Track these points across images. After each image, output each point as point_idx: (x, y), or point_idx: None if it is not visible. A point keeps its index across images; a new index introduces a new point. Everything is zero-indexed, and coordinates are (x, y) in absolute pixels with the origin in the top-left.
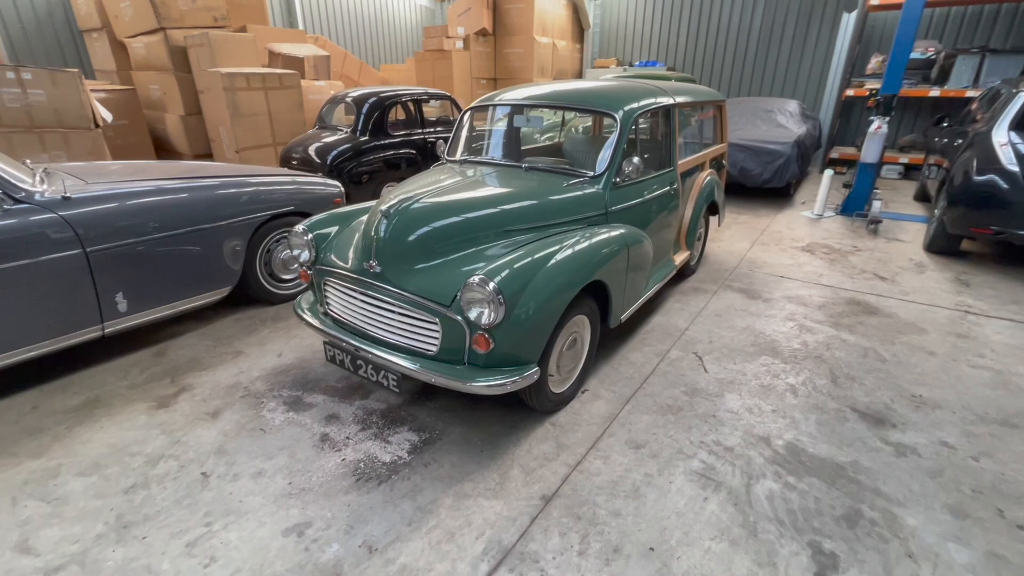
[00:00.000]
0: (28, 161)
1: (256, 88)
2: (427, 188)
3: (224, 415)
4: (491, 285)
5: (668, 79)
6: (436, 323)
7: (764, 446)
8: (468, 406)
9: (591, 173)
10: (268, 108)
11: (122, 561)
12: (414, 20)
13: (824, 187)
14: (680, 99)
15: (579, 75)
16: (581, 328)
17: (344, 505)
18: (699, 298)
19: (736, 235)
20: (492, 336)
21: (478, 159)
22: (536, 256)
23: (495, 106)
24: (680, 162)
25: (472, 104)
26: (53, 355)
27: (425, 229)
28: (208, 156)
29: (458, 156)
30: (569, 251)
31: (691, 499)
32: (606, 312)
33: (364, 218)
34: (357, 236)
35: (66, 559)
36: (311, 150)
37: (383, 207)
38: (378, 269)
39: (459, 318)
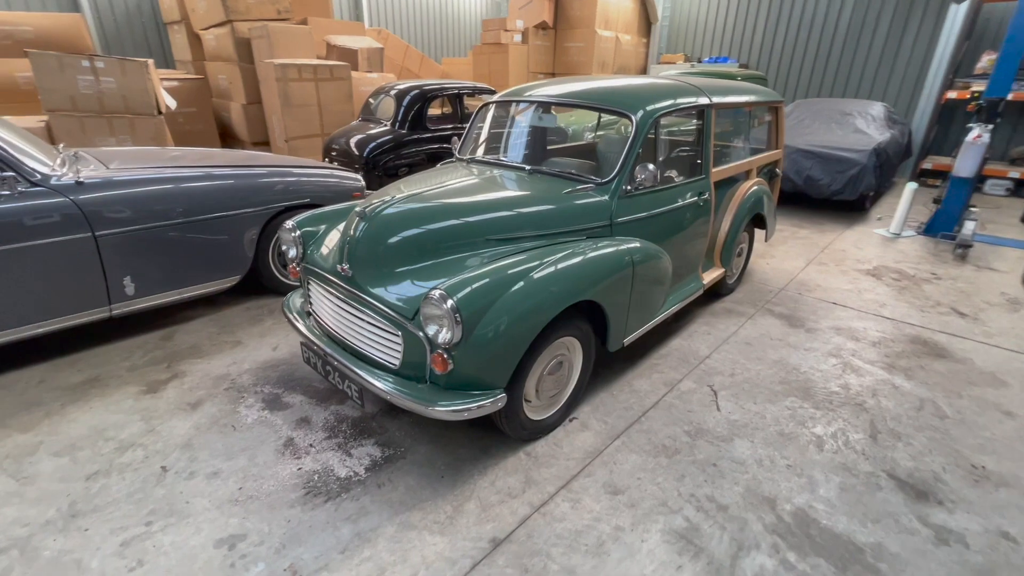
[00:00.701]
0: (62, 145)
1: (307, 79)
2: (412, 190)
3: (203, 407)
4: (449, 302)
5: (734, 77)
6: (399, 336)
7: (767, 509)
8: (441, 423)
9: (600, 179)
10: (318, 99)
11: (58, 553)
12: (479, 13)
13: (905, 201)
14: (718, 99)
15: (643, 71)
16: (570, 351)
17: (284, 520)
18: (731, 322)
19: (791, 251)
20: (451, 356)
21: (486, 159)
22: (511, 271)
23: (511, 102)
24: (716, 169)
25: (488, 100)
26: (70, 331)
27: (398, 234)
28: (265, 144)
29: (467, 154)
30: (551, 268)
31: (662, 565)
32: (605, 334)
33: None
34: (338, 236)
35: (9, 543)
36: (350, 142)
37: (359, 208)
38: (349, 273)
39: (420, 333)
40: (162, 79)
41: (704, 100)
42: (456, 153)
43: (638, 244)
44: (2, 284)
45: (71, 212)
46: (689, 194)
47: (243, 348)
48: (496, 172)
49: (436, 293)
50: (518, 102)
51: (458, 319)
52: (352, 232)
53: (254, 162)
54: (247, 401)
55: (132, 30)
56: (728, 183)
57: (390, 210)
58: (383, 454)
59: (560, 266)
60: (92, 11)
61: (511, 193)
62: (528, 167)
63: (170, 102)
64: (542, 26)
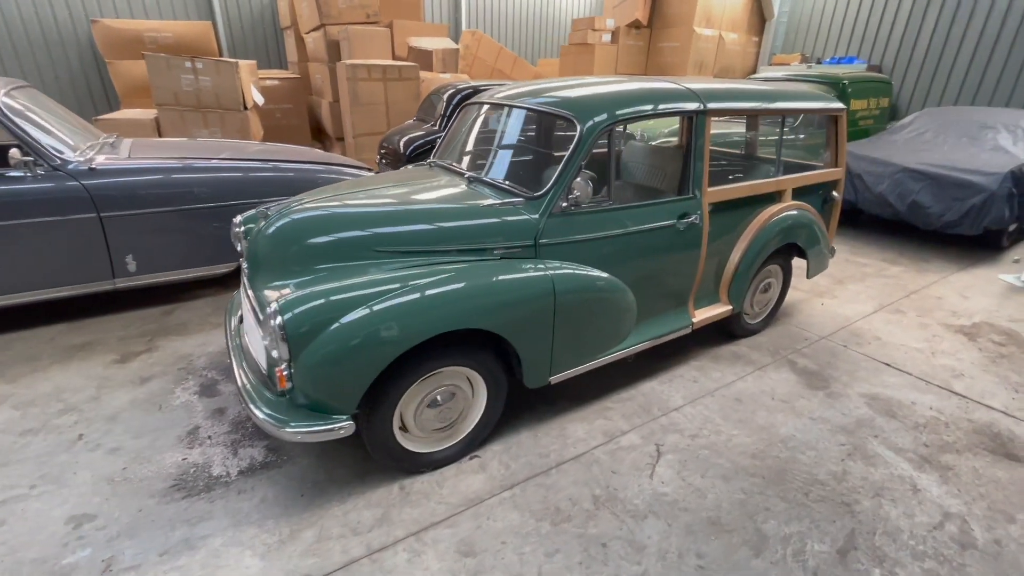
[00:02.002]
0: (116, 136)
1: (376, 79)
2: (330, 195)
3: (150, 383)
4: (277, 319)
5: (838, 81)
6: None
7: None
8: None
9: (533, 193)
10: (386, 98)
11: None
12: (579, 13)
13: None
14: (715, 105)
15: (752, 72)
16: (471, 383)
17: (136, 510)
18: (731, 370)
19: (864, 292)
20: (288, 374)
21: (445, 163)
22: (363, 291)
23: (476, 104)
24: (715, 188)
25: (465, 102)
26: (92, 298)
27: (290, 240)
28: (342, 140)
29: (436, 157)
30: (415, 294)
31: None
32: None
33: None
34: None
35: None
36: (399, 140)
37: (269, 209)
38: (247, 272)
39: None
40: (262, 78)
41: (693, 105)
42: (432, 155)
43: (570, 271)
44: (19, 253)
45: (80, 195)
46: (663, 216)
47: (220, 332)
48: (441, 179)
49: (272, 306)
50: (481, 104)
51: (283, 337)
52: (255, 233)
53: (272, 156)
54: (187, 383)
55: (255, 34)
56: (743, 205)
57: (288, 215)
58: (264, 459)
59: (433, 291)
60: (223, 19)
61: (424, 204)
62: (468, 175)
63: (258, 99)
64: (635, 25)
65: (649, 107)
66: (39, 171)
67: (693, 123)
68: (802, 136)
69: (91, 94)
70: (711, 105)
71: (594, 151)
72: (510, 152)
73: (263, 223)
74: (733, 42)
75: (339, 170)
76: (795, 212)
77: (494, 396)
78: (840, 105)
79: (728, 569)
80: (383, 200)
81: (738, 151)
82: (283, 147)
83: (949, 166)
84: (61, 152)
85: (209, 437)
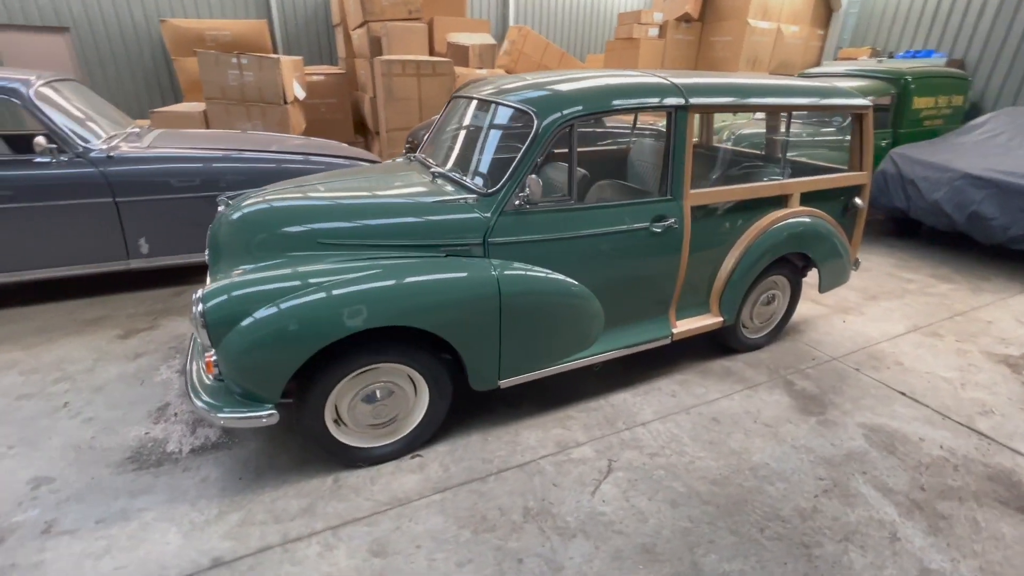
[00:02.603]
0: (147, 126)
1: (410, 74)
2: (291, 187)
3: (140, 359)
4: (200, 306)
5: (899, 77)
6: None
7: None
8: (288, 421)
9: (487, 189)
10: (419, 93)
11: None
12: (629, 8)
13: None
14: (700, 100)
15: (814, 67)
16: (413, 381)
17: (90, 477)
18: (717, 386)
19: (899, 310)
20: (215, 361)
21: (421, 157)
22: (287, 283)
23: (458, 98)
24: (699, 191)
25: (454, 94)
26: (117, 275)
27: (242, 230)
28: (379, 133)
29: (421, 151)
30: (337, 290)
31: None
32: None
33: None
34: None
35: None
36: (423, 134)
37: (228, 199)
38: (206, 259)
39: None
40: (309, 74)
41: (673, 100)
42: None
43: (521, 272)
44: (42, 232)
45: (98, 181)
46: (633, 217)
47: None
48: (412, 173)
49: (197, 293)
50: (459, 98)
51: (203, 324)
52: (213, 224)
53: (285, 148)
54: (173, 362)
55: (308, 31)
56: (738, 209)
57: (240, 207)
58: (217, 440)
59: (356, 287)
60: (279, 17)
61: (375, 198)
62: (435, 170)
63: (299, 93)
64: (684, 18)
65: (619, 102)
66: (62, 158)
67: (673, 119)
68: (827, 136)
69: (160, 88)
70: (694, 100)
71: (585, 147)
72: (478, 147)
73: (223, 213)
74: (793, 35)
75: (348, 161)
76: (804, 219)
77: (437, 396)
78: (862, 102)
79: None
80: (336, 193)
81: (740, 149)
82: (304, 140)
83: (1021, 173)
84: (86, 140)
85: (175, 414)
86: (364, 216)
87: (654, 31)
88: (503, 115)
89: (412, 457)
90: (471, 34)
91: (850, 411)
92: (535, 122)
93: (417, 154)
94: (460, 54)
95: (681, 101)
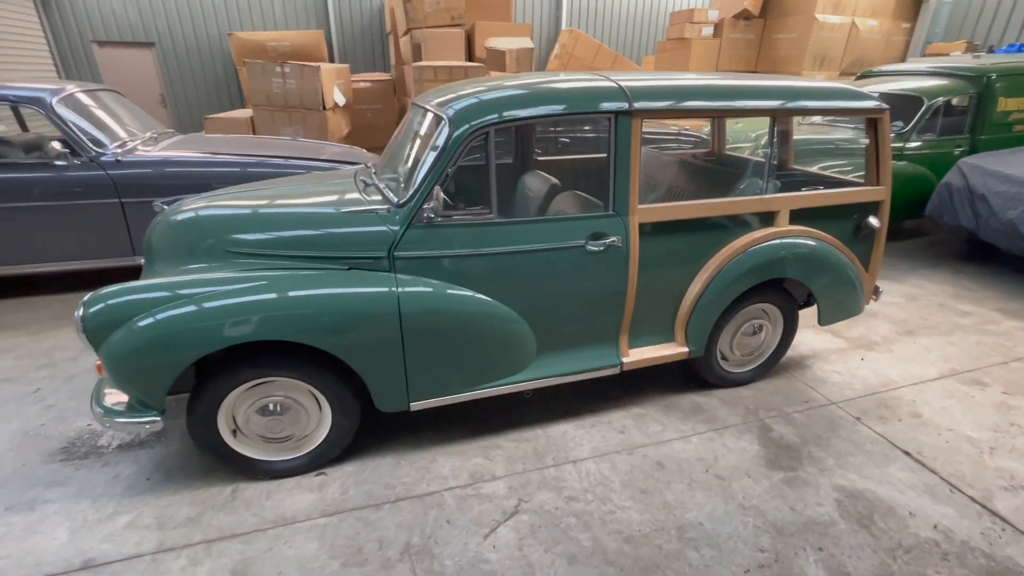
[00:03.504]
0: (171, 131)
1: (442, 80)
2: (224, 193)
3: None
4: (80, 311)
5: (981, 76)
6: None
7: None
8: None
9: (399, 200)
10: None
11: None
12: (687, 6)
13: None
14: (646, 104)
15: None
16: (302, 395)
17: (21, 464)
18: (679, 424)
19: (937, 350)
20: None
21: (369, 165)
22: (168, 292)
23: (415, 105)
24: (650, 206)
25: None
26: (123, 270)
27: (166, 236)
28: None
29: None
30: (219, 302)
31: None
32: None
33: None
34: None
35: None
36: None
37: (163, 205)
38: (141, 263)
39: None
40: (357, 80)
41: (615, 105)
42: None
43: (428, 290)
44: (56, 229)
45: (106, 183)
46: (565, 235)
47: None
48: (348, 182)
49: (84, 298)
50: (415, 106)
51: (82, 329)
52: (150, 226)
53: (290, 153)
54: None
55: (364, 40)
56: (706, 227)
57: (174, 212)
58: (145, 439)
59: (237, 299)
60: (336, 26)
61: (289, 208)
62: (363, 179)
63: (339, 99)
64: (744, 15)
65: (544, 110)
66: (76, 161)
67: (613, 126)
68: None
69: (229, 96)
70: (640, 105)
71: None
72: (404, 157)
73: (155, 219)
74: (871, 30)
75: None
76: (795, 240)
77: (340, 414)
78: (874, 105)
79: None
80: (260, 202)
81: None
82: (342, 148)
83: None
84: (101, 146)
85: None
86: (275, 227)
87: (708, 30)
88: (428, 123)
89: (316, 475)
90: (510, 39)
91: (830, 469)
92: (447, 130)
93: (368, 164)
94: (497, 59)
95: (624, 106)
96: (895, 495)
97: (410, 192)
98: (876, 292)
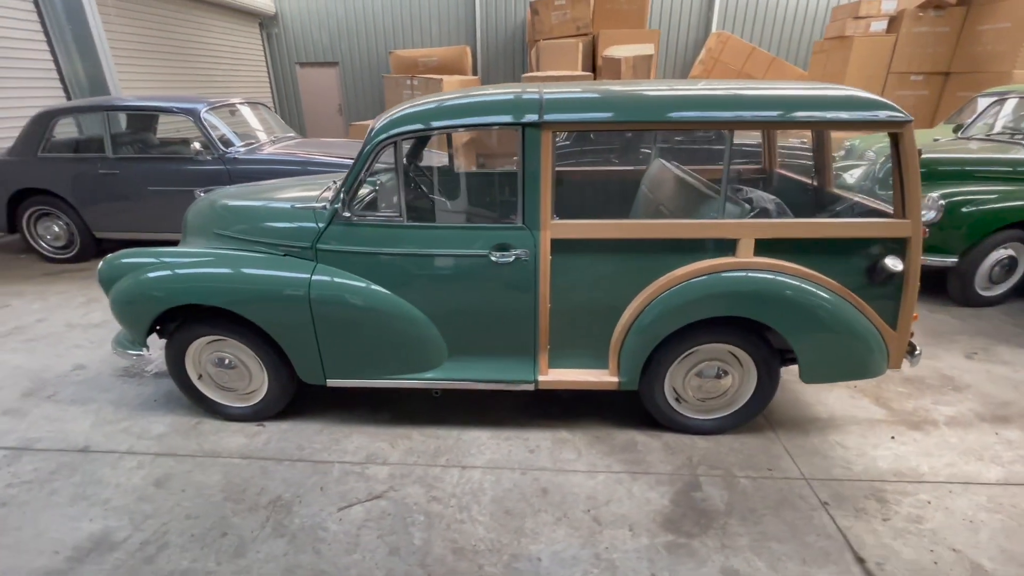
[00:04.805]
0: (293, 134)
1: None
2: (249, 187)
3: None
4: (100, 264)
5: None
6: None
7: None
8: None
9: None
10: None
11: None
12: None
13: None
14: (558, 117)
15: None
16: (246, 356)
17: (96, 374)
18: (598, 458)
19: (1022, 448)
20: None
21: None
22: (153, 259)
23: None
24: (564, 222)
25: None
26: None
27: (187, 218)
28: None
29: None
30: (180, 271)
31: None
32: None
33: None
34: None
35: None
36: None
37: (203, 190)
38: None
39: None
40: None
41: (526, 117)
42: None
43: (338, 280)
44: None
45: (223, 175)
46: (469, 243)
47: None
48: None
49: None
50: None
51: (99, 279)
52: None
53: (349, 154)
54: None
55: (506, 52)
56: (651, 251)
57: (201, 199)
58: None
59: (190, 270)
60: (483, 41)
61: (267, 202)
62: (336, 182)
63: None
64: (935, 4)
65: (452, 122)
66: (208, 157)
67: (522, 138)
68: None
69: (383, 106)
70: (551, 117)
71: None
72: None
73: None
74: None
75: None
76: (763, 276)
77: (275, 379)
78: (889, 115)
79: None
80: (255, 194)
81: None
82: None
83: None
84: (229, 146)
85: None
86: (243, 217)
87: (879, 25)
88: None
89: (257, 425)
90: (631, 46)
91: (735, 549)
92: (372, 136)
93: None
94: (613, 67)
95: (534, 118)
96: None
97: (333, 193)
98: (912, 354)
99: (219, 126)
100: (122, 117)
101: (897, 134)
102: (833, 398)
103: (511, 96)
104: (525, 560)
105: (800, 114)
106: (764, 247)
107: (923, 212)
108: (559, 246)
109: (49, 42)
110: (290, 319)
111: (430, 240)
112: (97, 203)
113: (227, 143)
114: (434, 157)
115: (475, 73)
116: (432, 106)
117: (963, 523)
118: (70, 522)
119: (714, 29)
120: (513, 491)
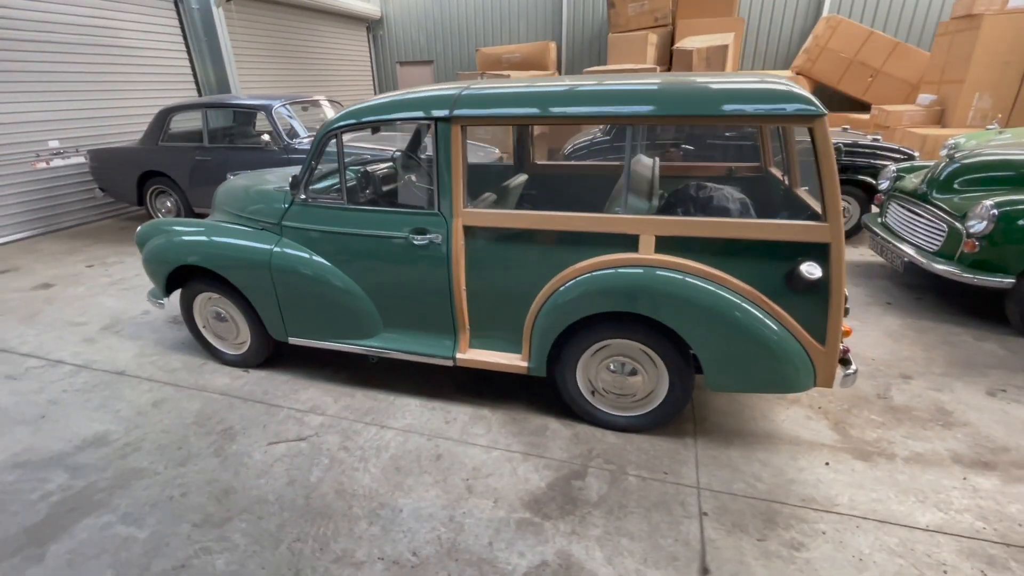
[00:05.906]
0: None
1: None
2: (258, 172)
3: None
4: (136, 229)
5: None
6: None
7: None
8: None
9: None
10: None
11: None
12: None
13: None
14: (467, 112)
15: None
16: (234, 312)
17: (154, 318)
18: (503, 437)
19: (996, 497)
20: None
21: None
22: (169, 228)
23: None
24: (475, 211)
25: None
26: None
27: (217, 193)
28: None
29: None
30: (181, 238)
31: None
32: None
33: None
34: None
35: None
36: (573, 141)
37: (231, 173)
38: None
39: None
40: None
41: (438, 113)
42: None
43: (291, 252)
44: None
45: (286, 162)
46: (391, 225)
47: None
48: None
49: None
50: None
51: (135, 240)
52: None
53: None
54: None
55: (591, 48)
56: (559, 243)
57: (229, 179)
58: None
59: (187, 238)
60: (568, 36)
61: (261, 185)
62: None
63: None
64: None
65: (385, 116)
66: (274, 148)
67: (435, 132)
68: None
69: None
70: (460, 112)
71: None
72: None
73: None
74: None
75: None
76: (663, 273)
77: (255, 334)
78: (799, 108)
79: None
80: (251, 180)
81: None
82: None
83: None
84: (294, 137)
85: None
86: (240, 196)
87: (1019, 1)
88: None
89: (244, 370)
90: (705, 36)
91: (579, 535)
92: (318, 131)
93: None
94: (684, 59)
95: (444, 113)
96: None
97: (295, 178)
98: (847, 370)
99: (289, 120)
100: (220, 113)
101: (810, 129)
102: (786, 415)
103: (425, 94)
104: (389, 509)
105: (691, 110)
106: (672, 245)
107: (972, 222)
108: (472, 232)
109: (188, 51)
110: (258, 283)
111: (363, 221)
112: (195, 184)
113: (293, 135)
114: (481, 152)
115: (559, 68)
116: (367, 104)
117: (850, 560)
118: (88, 422)
119: (825, 12)
120: (412, 452)
